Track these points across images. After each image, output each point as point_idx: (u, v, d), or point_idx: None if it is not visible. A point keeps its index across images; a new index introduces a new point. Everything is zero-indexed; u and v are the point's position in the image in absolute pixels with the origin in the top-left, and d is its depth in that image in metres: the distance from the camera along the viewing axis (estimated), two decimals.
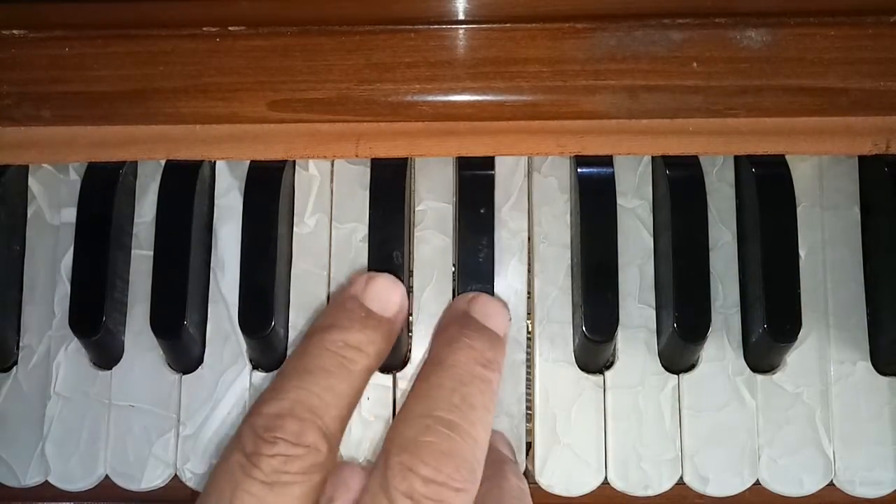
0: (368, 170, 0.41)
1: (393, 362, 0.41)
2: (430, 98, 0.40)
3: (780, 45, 0.39)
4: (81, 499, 0.41)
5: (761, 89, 0.40)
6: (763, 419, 0.40)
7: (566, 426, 0.40)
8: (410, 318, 0.41)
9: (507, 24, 0.40)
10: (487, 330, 0.37)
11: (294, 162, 0.43)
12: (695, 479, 0.39)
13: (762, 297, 0.39)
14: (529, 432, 0.40)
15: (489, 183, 0.41)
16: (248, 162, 0.42)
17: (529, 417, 0.41)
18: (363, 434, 0.40)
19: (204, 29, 0.40)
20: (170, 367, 0.41)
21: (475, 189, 0.41)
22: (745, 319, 0.41)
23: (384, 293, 0.36)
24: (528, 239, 0.42)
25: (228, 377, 0.41)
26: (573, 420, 0.40)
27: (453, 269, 0.41)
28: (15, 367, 0.42)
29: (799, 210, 0.41)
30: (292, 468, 0.30)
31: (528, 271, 0.42)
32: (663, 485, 0.40)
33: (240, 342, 0.41)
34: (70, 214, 0.42)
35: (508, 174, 0.42)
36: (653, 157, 0.42)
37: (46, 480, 0.41)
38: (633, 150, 0.41)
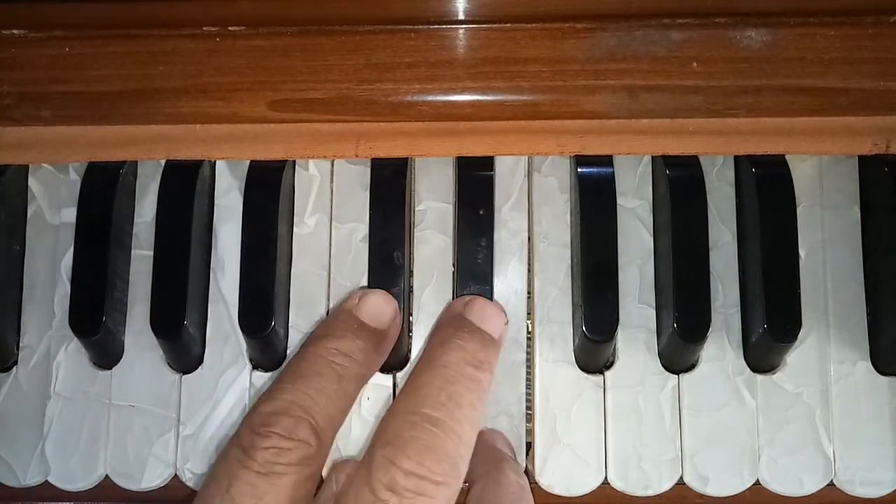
0: (368, 170, 0.41)
1: (393, 362, 0.41)
2: (430, 98, 0.40)
3: (780, 45, 0.39)
4: (81, 499, 0.41)
5: (761, 89, 0.40)
6: (763, 419, 0.40)
7: (566, 426, 0.40)
8: (410, 317, 0.41)
9: (507, 24, 0.40)
10: (481, 332, 0.37)
11: (294, 162, 0.43)
12: (695, 479, 0.39)
13: (762, 297, 0.39)
14: (529, 432, 0.40)
15: (489, 183, 0.42)
16: (248, 162, 0.42)
17: (529, 417, 0.41)
18: (363, 433, 0.40)
19: (204, 29, 0.40)
20: (170, 367, 0.41)
21: (475, 189, 0.41)
22: (745, 319, 0.41)
23: (377, 308, 0.38)
24: (528, 239, 0.42)
25: (228, 377, 0.41)
26: (573, 420, 0.40)
27: (453, 269, 0.41)
28: (15, 367, 0.42)
29: (799, 210, 0.41)
30: (284, 459, 0.32)
31: (528, 271, 0.42)
32: (663, 485, 0.40)
33: (240, 342, 0.41)
34: (70, 214, 0.42)
35: (508, 174, 0.42)
36: (653, 157, 0.42)
37: (46, 480, 0.41)
38: (633, 149, 0.41)
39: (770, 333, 0.38)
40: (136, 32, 0.40)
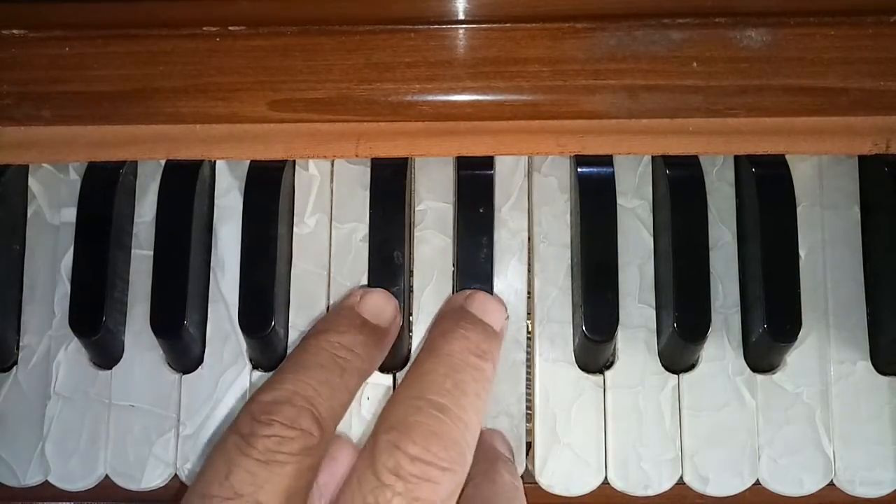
0: (368, 170, 0.41)
1: (393, 362, 0.41)
2: (430, 98, 0.40)
3: (780, 45, 0.39)
4: (81, 499, 0.41)
5: (761, 89, 0.40)
6: (763, 419, 0.40)
7: (566, 426, 0.40)
8: (410, 317, 0.41)
9: (507, 24, 0.40)
10: (483, 323, 0.37)
11: (294, 162, 0.43)
12: (695, 478, 0.39)
13: (762, 297, 0.39)
14: (529, 432, 0.40)
15: (489, 183, 0.42)
16: (248, 162, 0.42)
17: (529, 417, 0.41)
18: (363, 433, 0.40)
19: (204, 29, 0.40)
20: (170, 367, 0.41)
21: (475, 189, 0.41)
22: (745, 319, 0.41)
23: (379, 306, 0.38)
24: (528, 239, 0.42)
25: (228, 377, 0.41)
26: (573, 420, 0.40)
27: (453, 268, 0.41)
28: (15, 367, 0.42)
29: (799, 210, 0.41)
30: (286, 448, 0.32)
31: (528, 271, 0.42)
32: (663, 485, 0.40)
33: (240, 342, 0.41)
34: (70, 214, 0.42)
35: (508, 174, 0.42)
36: (653, 157, 0.42)
37: (46, 480, 0.41)
38: (633, 149, 0.41)
39: (770, 333, 0.38)
40: (136, 32, 0.40)
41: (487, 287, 0.40)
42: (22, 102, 0.41)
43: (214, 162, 0.43)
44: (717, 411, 0.40)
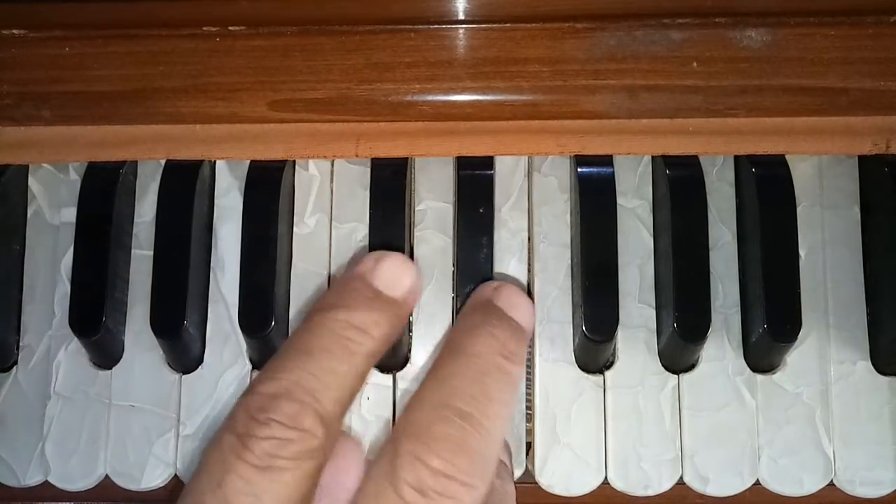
0: (368, 170, 0.41)
1: (393, 362, 0.41)
2: (430, 98, 0.40)
3: (780, 45, 0.39)
4: (81, 499, 0.41)
5: (761, 89, 0.40)
6: (763, 419, 0.40)
7: (566, 426, 0.40)
8: (410, 318, 0.41)
9: (507, 24, 0.40)
10: (511, 320, 0.34)
11: (294, 162, 0.43)
12: (695, 478, 0.39)
13: (762, 297, 0.39)
14: (529, 432, 0.40)
15: (489, 183, 0.42)
16: (248, 162, 0.42)
17: (529, 417, 0.41)
18: (363, 433, 0.40)
19: (204, 29, 0.40)
20: (170, 367, 0.41)
21: (475, 189, 0.41)
22: (745, 319, 0.41)
23: (394, 273, 0.34)
24: (528, 239, 0.42)
25: (228, 377, 0.41)
26: (573, 420, 0.40)
27: (453, 268, 0.41)
28: (15, 367, 0.42)
29: (799, 210, 0.41)
30: (285, 453, 0.29)
31: (528, 271, 0.42)
32: (663, 485, 0.40)
33: (240, 342, 0.41)
34: (70, 214, 0.42)
35: (508, 174, 0.42)
36: (653, 157, 0.42)
37: (46, 480, 0.41)
38: (633, 149, 0.41)
39: (770, 333, 0.38)
40: (136, 32, 0.40)
41: None
42: (22, 102, 0.41)
43: (214, 162, 0.43)
44: (717, 411, 0.40)
